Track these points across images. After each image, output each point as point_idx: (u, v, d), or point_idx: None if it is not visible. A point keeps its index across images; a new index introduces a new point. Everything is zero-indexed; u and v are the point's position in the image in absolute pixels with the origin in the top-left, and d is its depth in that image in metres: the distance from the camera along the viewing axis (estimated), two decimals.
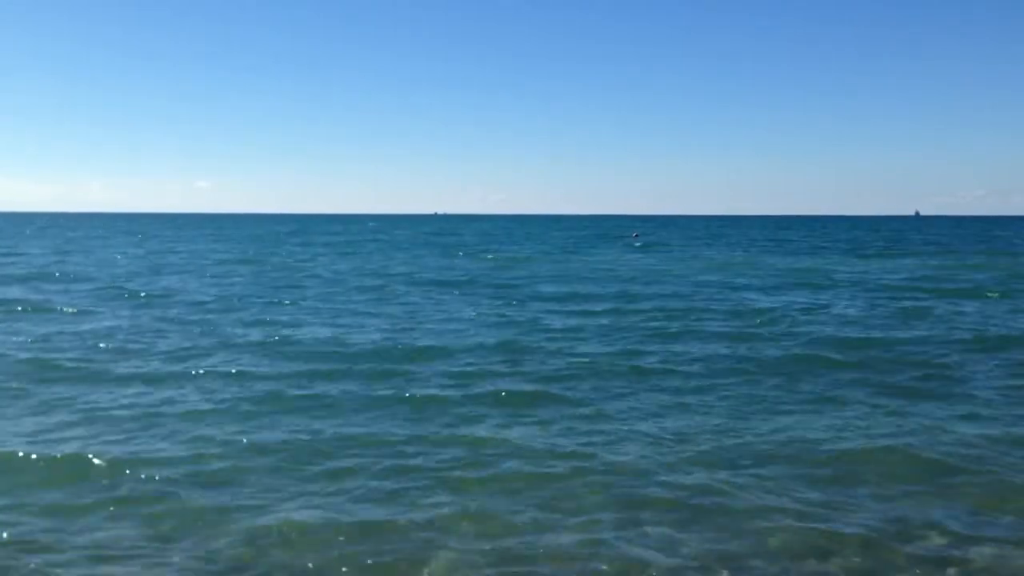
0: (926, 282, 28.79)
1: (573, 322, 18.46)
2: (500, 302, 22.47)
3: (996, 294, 24.38)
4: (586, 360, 13.78)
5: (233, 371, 12.74)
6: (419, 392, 11.46)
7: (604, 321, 18.65)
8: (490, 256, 45.66)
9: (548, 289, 26.38)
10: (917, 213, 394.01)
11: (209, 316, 19.20)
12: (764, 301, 22.48)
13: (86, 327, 17.30)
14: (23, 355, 13.93)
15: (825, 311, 20.53)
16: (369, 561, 6.36)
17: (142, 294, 23.78)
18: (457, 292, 25.36)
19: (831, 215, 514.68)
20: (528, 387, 11.87)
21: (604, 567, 6.24)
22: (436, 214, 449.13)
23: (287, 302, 22.27)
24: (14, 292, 24.32)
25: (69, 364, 13.22)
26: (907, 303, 22.21)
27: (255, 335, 16.28)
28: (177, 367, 13.11)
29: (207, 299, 22.65)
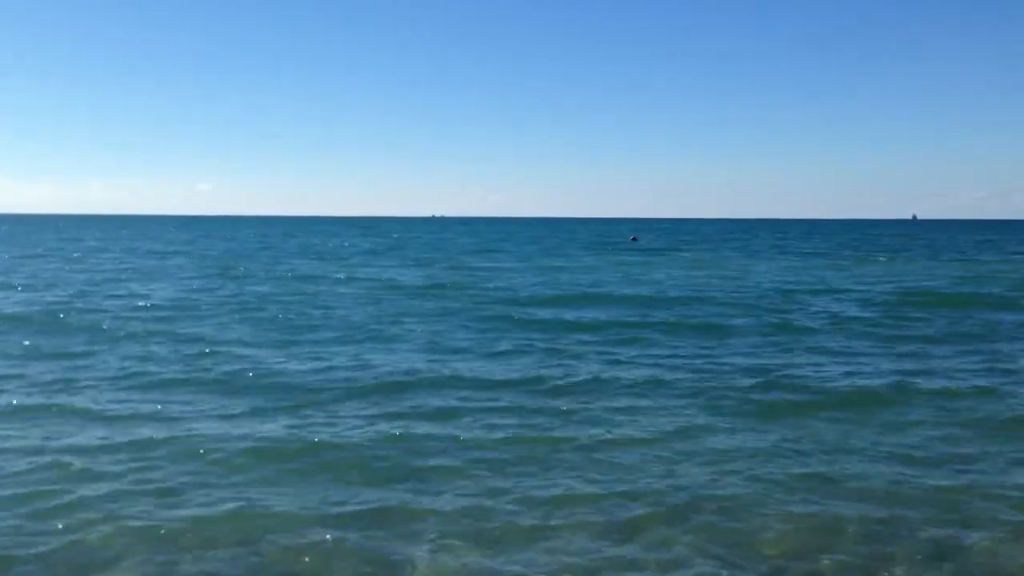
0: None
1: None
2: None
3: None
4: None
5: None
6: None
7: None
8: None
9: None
10: (914, 217, 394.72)
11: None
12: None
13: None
14: None
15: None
16: (363, 556, 6.30)
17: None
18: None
19: (828, 219, 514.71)
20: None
21: (599, 568, 6.19)
22: (434, 216, 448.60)
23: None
24: None
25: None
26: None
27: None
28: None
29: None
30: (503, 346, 15.19)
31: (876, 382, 12.27)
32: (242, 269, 35.05)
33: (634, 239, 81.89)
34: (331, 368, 12.96)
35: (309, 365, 13.14)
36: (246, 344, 15.08)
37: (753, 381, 12.20)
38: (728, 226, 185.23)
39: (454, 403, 10.79)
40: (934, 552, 6.48)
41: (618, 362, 13.68)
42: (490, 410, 10.47)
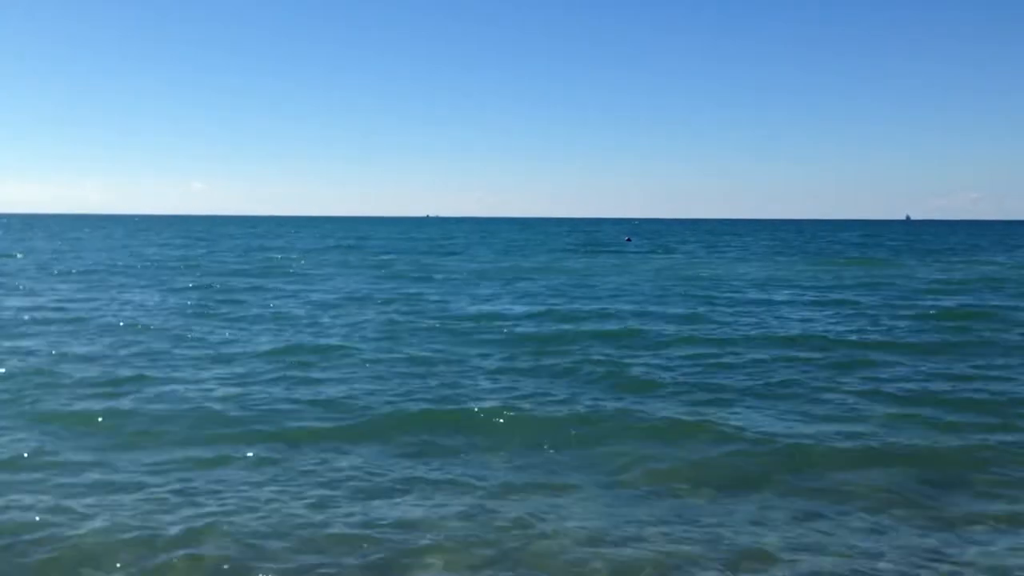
0: None
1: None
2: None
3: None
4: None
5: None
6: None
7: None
8: None
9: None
10: (908, 217, 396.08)
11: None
12: None
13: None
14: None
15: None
16: (362, 559, 6.33)
17: None
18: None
19: (823, 219, 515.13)
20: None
21: (599, 567, 6.21)
22: (428, 216, 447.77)
23: None
24: None
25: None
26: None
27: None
28: None
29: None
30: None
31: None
32: None
33: (628, 240, 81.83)
34: None
35: None
36: None
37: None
38: (702, 226, 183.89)
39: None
40: (930, 552, 6.51)
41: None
42: None
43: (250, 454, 8.59)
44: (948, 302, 23.26)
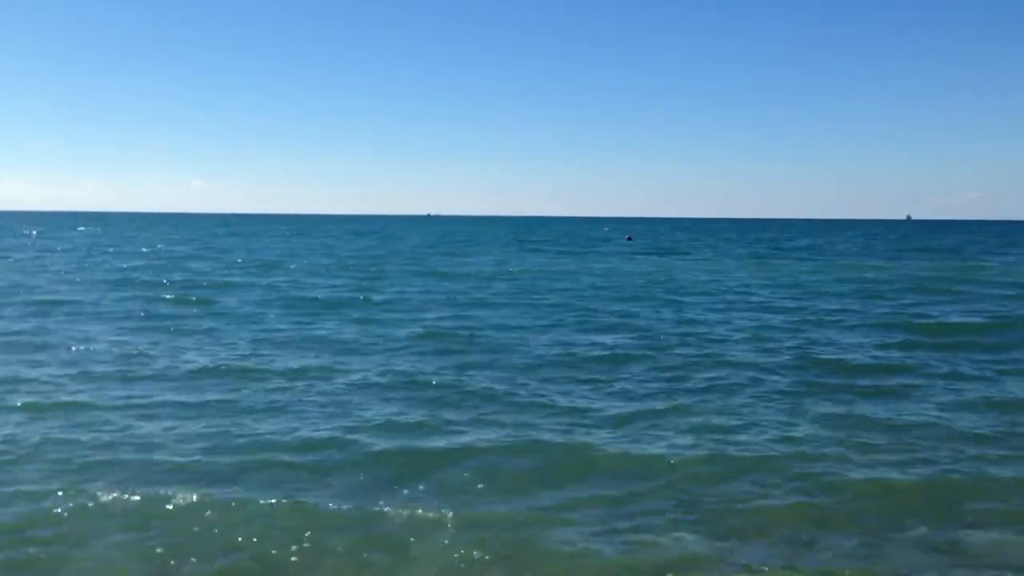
0: None
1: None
2: None
3: None
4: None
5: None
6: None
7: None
8: None
9: None
10: (909, 217, 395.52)
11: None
12: None
13: None
14: None
15: None
16: (355, 555, 6.31)
17: None
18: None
19: (823, 219, 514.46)
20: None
21: (597, 565, 6.19)
22: (429, 215, 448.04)
23: None
24: None
25: None
26: None
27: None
28: None
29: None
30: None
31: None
32: None
33: (629, 239, 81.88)
34: None
35: None
36: None
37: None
38: (701, 226, 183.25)
39: None
40: (931, 547, 6.48)
41: None
42: None
43: None
44: None
